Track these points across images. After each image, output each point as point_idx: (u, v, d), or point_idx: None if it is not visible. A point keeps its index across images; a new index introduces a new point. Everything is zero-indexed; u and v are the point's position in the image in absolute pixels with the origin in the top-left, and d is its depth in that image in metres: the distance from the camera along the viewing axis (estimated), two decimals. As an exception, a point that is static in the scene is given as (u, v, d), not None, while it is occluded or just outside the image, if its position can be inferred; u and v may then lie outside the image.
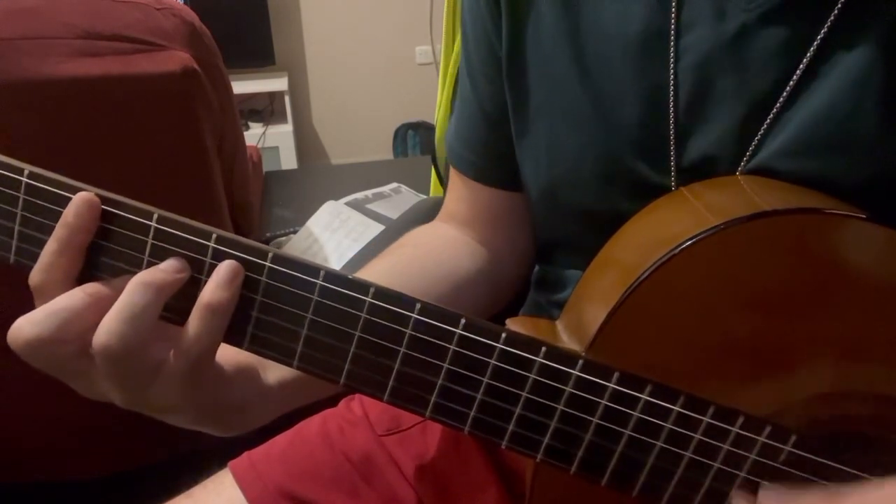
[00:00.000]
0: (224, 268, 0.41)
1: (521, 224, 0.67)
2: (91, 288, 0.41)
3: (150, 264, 0.41)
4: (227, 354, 0.47)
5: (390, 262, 0.63)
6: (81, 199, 0.40)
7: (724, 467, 0.41)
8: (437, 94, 1.38)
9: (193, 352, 0.41)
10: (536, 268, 0.68)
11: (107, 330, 0.40)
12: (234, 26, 2.91)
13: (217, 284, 0.41)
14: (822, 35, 0.45)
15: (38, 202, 0.41)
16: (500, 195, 0.65)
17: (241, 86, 2.90)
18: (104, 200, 0.41)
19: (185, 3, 1.01)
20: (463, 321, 0.41)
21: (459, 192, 0.68)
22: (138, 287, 0.40)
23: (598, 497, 0.44)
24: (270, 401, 0.50)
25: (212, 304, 0.41)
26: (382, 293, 0.41)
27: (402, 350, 0.41)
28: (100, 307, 0.41)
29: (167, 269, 0.41)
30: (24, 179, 0.41)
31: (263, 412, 0.50)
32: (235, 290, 0.41)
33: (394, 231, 1.02)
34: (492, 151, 0.64)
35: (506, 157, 0.62)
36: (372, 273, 0.59)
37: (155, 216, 0.41)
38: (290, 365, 0.43)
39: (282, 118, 3.26)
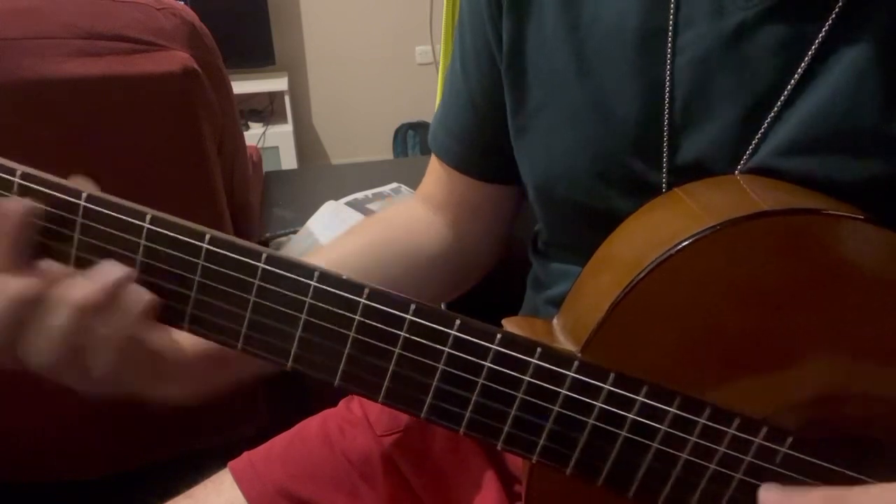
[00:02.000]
0: (104, 269, 0.42)
1: (495, 215, 0.68)
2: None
3: (143, 265, 0.42)
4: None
5: (363, 237, 0.64)
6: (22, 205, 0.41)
7: (721, 468, 0.41)
8: (436, 94, 1.38)
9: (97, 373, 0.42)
10: (532, 266, 0.68)
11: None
12: (234, 26, 2.90)
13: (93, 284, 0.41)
14: (822, 33, 0.45)
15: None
16: (477, 185, 0.66)
17: (241, 86, 2.90)
18: (97, 201, 0.41)
19: (185, 3, 1.01)
20: (458, 322, 0.41)
21: (437, 176, 0.69)
22: (62, 306, 0.41)
23: (594, 498, 0.44)
24: (183, 369, 0.49)
25: (78, 300, 0.41)
26: (377, 294, 0.41)
27: (397, 351, 0.41)
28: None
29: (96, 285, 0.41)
30: (17, 180, 0.42)
31: (174, 381, 0.49)
32: (109, 292, 0.41)
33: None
34: (476, 143, 0.64)
35: (489, 150, 0.62)
36: (344, 250, 0.62)
37: (148, 217, 0.41)
38: (285, 367, 0.43)
39: (282, 118, 3.25)
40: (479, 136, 0.63)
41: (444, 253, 0.66)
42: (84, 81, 0.89)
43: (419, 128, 3.41)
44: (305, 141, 3.48)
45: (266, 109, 3.28)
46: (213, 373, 0.50)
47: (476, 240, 0.68)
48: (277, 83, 3.18)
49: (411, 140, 3.44)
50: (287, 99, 3.19)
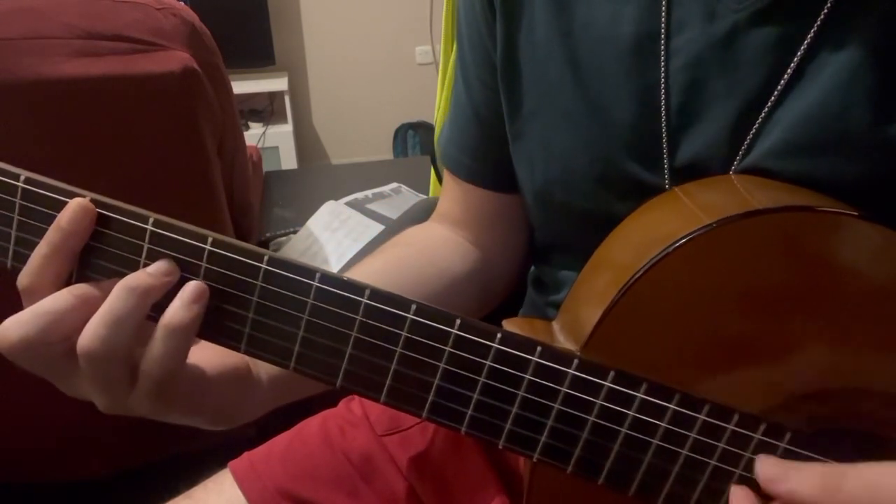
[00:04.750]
0: (189, 288, 0.41)
1: (514, 225, 0.67)
2: (78, 290, 0.41)
3: (145, 267, 0.41)
4: (213, 358, 0.47)
5: (383, 260, 0.63)
6: (76, 205, 0.40)
7: (721, 465, 0.41)
8: (437, 94, 1.38)
9: (156, 372, 0.41)
10: (532, 268, 0.68)
11: (91, 333, 0.40)
12: (234, 26, 2.90)
13: (181, 304, 0.41)
14: (811, 34, 0.45)
15: (35, 207, 0.41)
16: (492, 196, 0.66)
17: (241, 86, 2.91)
18: (100, 205, 0.41)
19: (185, 3, 1.01)
20: (458, 322, 0.41)
21: (452, 193, 0.68)
22: (123, 291, 0.40)
23: (595, 496, 0.45)
24: (260, 398, 0.50)
25: (172, 324, 0.41)
26: (378, 294, 0.41)
27: (399, 351, 0.41)
28: (87, 309, 0.40)
29: (154, 273, 0.41)
30: (21, 185, 0.41)
31: (253, 409, 0.50)
32: (199, 311, 0.41)
33: (394, 231, 1.03)
34: (485, 154, 0.64)
35: (498, 160, 0.62)
36: (364, 271, 0.60)
37: (151, 220, 0.41)
38: (286, 367, 0.43)
39: (282, 118, 3.26)
40: (488, 147, 0.63)
41: (468, 270, 0.65)
42: (84, 81, 0.89)
43: (419, 128, 3.41)
44: (305, 141, 3.48)
45: (266, 109, 3.28)
46: (282, 395, 0.52)
47: (497, 252, 0.68)
48: (277, 83, 3.18)
49: (411, 140, 3.44)
50: (287, 99, 3.19)
